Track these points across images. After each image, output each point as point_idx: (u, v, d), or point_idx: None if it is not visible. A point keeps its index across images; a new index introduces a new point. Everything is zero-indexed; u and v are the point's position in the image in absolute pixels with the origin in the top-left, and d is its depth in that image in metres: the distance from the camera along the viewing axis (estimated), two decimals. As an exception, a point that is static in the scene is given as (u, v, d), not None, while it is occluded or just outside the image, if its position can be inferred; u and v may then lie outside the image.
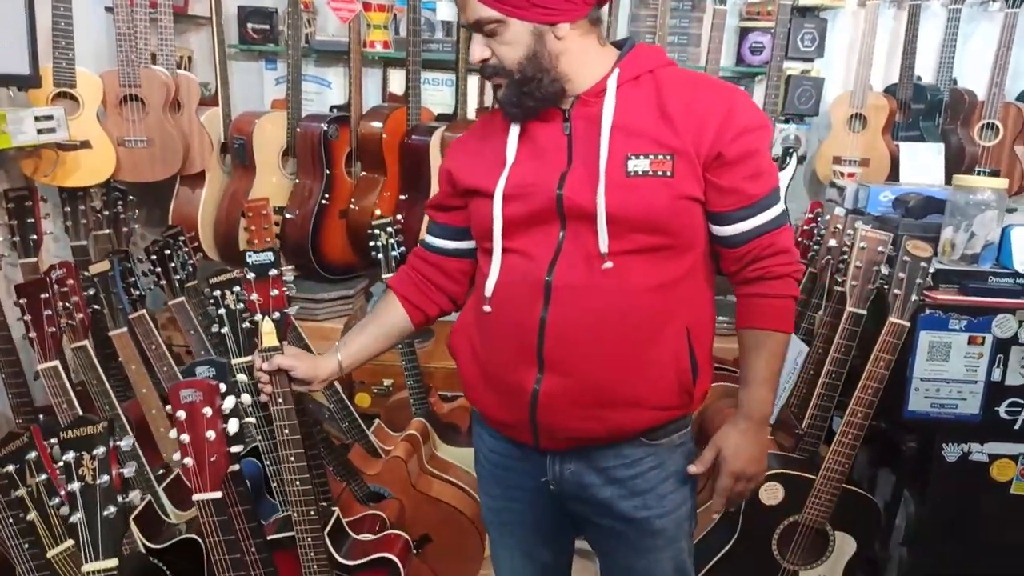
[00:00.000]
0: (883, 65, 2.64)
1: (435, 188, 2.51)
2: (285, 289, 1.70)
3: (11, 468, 1.21)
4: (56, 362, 1.66)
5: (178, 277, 2.16)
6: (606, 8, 2.51)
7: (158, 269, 2.15)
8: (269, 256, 1.59)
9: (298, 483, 1.48)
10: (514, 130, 1.28)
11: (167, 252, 2.15)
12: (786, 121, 2.67)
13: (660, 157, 1.18)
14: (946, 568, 1.99)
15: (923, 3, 2.49)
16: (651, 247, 1.21)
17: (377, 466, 2.12)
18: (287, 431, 1.45)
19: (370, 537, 1.81)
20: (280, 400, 1.42)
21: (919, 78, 2.55)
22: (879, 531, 1.95)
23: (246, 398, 1.37)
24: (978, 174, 2.42)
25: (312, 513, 1.50)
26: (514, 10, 1.17)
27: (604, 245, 1.19)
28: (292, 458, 1.47)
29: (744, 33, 2.64)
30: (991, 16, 2.56)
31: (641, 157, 1.19)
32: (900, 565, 2.03)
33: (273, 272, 1.59)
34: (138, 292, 2.04)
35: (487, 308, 1.30)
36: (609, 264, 1.20)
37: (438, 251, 1.45)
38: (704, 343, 1.31)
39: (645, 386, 1.26)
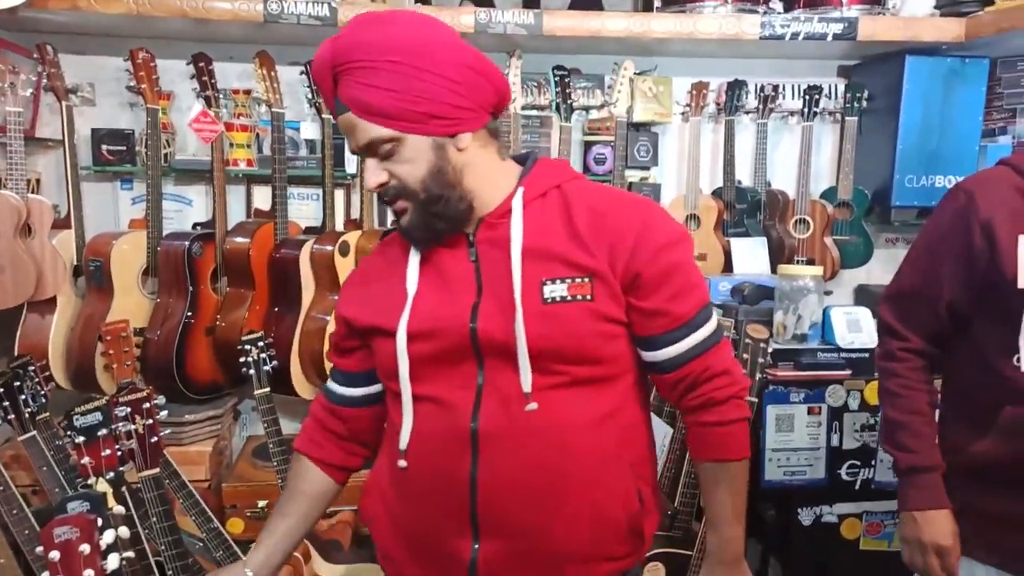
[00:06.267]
0: (708, 171, 2.97)
1: (306, 300, 2.54)
2: (153, 420, 1.65)
3: None
4: None
5: (28, 410, 2.02)
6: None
7: (5, 403, 2.00)
8: (97, 416, 1.54)
9: None
10: (414, 258, 1.16)
11: (16, 384, 2.01)
12: (632, 222, 2.93)
13: (578, 280, 1.09)
14: (814, 627, 2.14)
15: (736, 118, 2.86)
16: (580, 379, 1.10)
17: (258, 593, 2.01)
18: None
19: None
20: None
21: (739, 182, 2.89)
22: (753, 599, 2.08)
23: (124, 531, 1.31)
24: (797, 263, 2.74)
25: None
26: (411, 125, 1.05)
27: (527, 384, 1.07)
28: None
29: (588, 146, 2.90)
30: (791, 128, 2.97)
31: (557, 281, 1.09)
32: (774, 630, 2.16)
33: (103, 432, 1.53)
34: (-17, 430, 1.89)
35: (402, 463, 1.15)
36: (533, 405, 1.07)
37: (344, 401, 1.30)
38: (649, 477, 1.21)
39: (596, 537, 1.13)
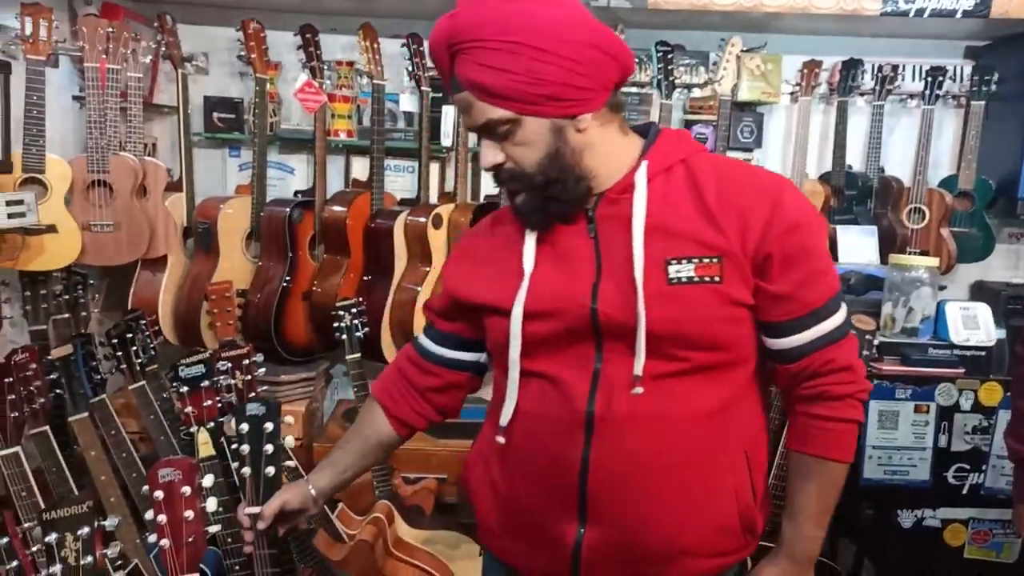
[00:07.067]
0: (816, 155, 2.84)
1: (399, 270, 2.57)
2: (252, 376, 1.72)
3: (-21, 556, 1.17)
4: (17, 448, 1.62)
5: (139, 361, 2.13)
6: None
7: (119, 353, 2.12)
8: (200, 368, 1.59)
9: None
10: (530, 235, 1.12)
11: (128, 336, 2.12)
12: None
13: (706, 260, 1.02)
14: (908, 635, 2.04)
15: (849, 99, 2.71)
16: (701, 366, 1.05)
17: (342, 551, 2.07)
18: None
19: (340, 624, 1.77)
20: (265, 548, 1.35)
21: (850, 167, 2.75)
22: (843, 600, 2.00)
23: (246, 471, 1.31)
24: (909, 254, 2.59)
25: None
26: (528, 107, 1.01)
27: (639, 367, 1.03)
28: None
29: (688, 125, 2.82)
30: (910, 111, 2.80)
31: (684, 261, 1.03)
32: (864, 634, 2.07)
33: (205, 383, 1.58)
34: (99, 377, 2.01)
35: (501, 439, 1.14)
36: (639, 390, 1.03)
37: (434, 359, 1.28)
38: (763, 469, 1.15)
39: (707, 531, 1.09)
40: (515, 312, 1.09)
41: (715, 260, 1.02)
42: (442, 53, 1.04)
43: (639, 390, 1.03)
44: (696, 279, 1.02)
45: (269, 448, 1.29)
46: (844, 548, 2.12)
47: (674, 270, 1.03)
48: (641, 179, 1.06)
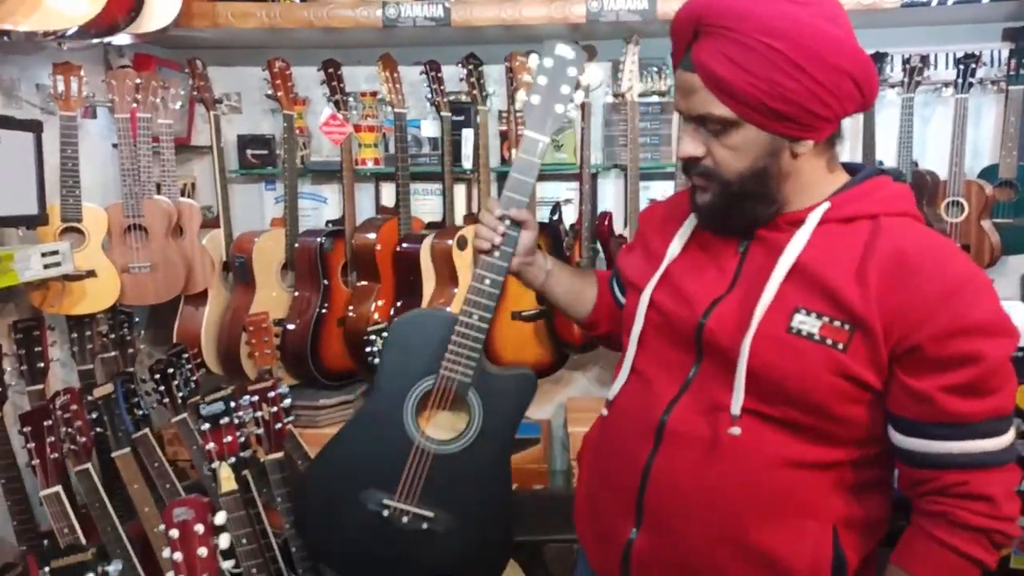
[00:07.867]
0: (846, 153, 2.74)
1: (427, 292, 2.62)
2: (278, 407, 1.78)
3: (9, 596, 1.26)
4: (57, 488, 1.71)
5: (181, 394, 2.23)
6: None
7: (161, 387, 2.22)
8: (220, 406, 1.66)
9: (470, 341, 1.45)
10: (687, 226, 1.12)
11: (169, 371, 2.22)
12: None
13: (836, 324, 0.95)
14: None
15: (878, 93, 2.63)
16: (800, 424, 0.99)
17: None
18: (487, 282, 1.39)
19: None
20: (497, 257, 1.35)
21: (880, 163, 2.66)
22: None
23: (535, 99, 1.31)
24: (949, 250, 2.49)
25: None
26: (756, 116, 0.95)
27: (737, 406, 0.98)
28: (475, 316, 1.43)
29: (713, 130, 2.77)
30: (944, 101, 2.69)
31: (812, 315, 0.96)
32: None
33: (225, 420, 1.64)
34: (141, 412, 2.11)
35: (604, 412, 1.18)
36: (736, 430, 0.98)
37: (608, 284, 1.38)
38: (861, 549, 1.05)
39: None
40: (644, 293, 1.12)
41: (846, 326, 0.94)
42: (687, 25, 0.98)
43: (736, 431, 0.98)
44: (817, 338, 0.95)
45: (565, 89, 1.30)
46: (883, 558, 2.05)
47: (798, 320, 0.97)
48: (813, 219, 1.00)
